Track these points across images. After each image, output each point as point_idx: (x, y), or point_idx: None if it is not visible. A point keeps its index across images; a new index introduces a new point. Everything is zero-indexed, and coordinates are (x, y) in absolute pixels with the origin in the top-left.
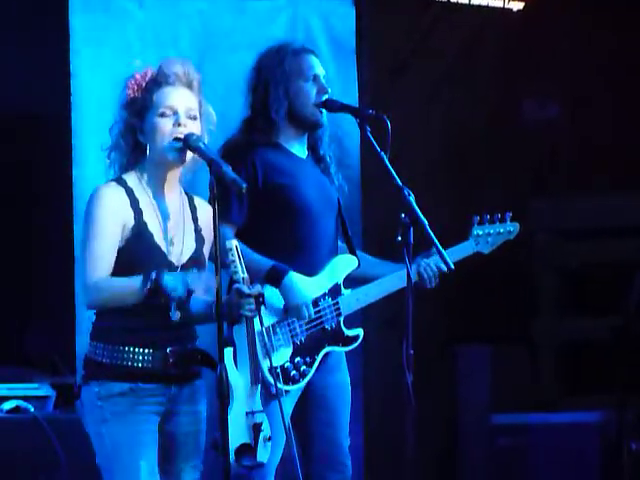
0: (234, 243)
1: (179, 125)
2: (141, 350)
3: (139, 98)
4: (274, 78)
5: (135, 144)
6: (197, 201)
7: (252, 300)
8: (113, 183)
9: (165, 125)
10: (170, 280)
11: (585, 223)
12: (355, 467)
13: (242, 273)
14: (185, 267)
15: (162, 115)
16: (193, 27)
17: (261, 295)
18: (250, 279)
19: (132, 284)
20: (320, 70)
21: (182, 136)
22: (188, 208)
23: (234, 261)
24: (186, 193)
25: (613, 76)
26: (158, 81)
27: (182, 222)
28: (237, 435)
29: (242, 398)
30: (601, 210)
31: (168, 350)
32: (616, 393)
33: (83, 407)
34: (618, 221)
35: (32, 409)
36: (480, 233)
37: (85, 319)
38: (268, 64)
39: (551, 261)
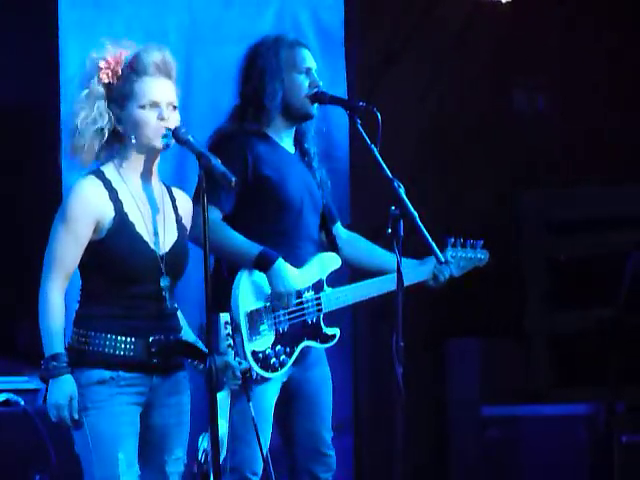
0: (229, 317)
1: (162, 119)
2: (123, 338)
3: (116, 86)
4: (270, 68)
5: (113, 132)
6: (175, 191)
7: (240, 377)
8: (92, 176)
9: (148, 118)
10: (50, 384)
11: (575, 215)
12: (345, 460)
13: (233, 347)
14: (168, 256)
15: (144, 108)
16: (181, 20)
17: (248, 371)
18: (238, 263)
19: (48, 340)
20: (312, 64)
21: (165, 130)
22: (168, 197)
23: (229, 334)
24: (163, 183)
25: (604, 67)
26: (137, 70)
27: (163, 211)
28: None
29: None
30: (591, 202)
31: (150, 339)
32: (607, 385)
33: None
34: (609, 213)
35: (22, 402)
36: (453, 255)
37: (75, 312)
38: (264, 54)
39: (541, 253)
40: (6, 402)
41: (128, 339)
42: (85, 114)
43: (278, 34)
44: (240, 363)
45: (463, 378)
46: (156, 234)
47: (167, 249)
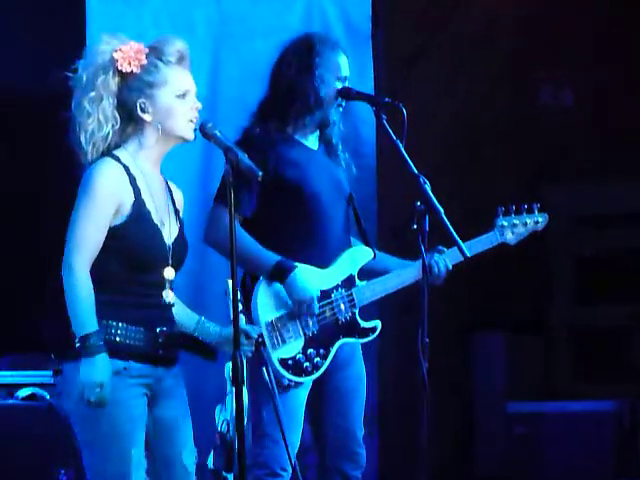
0: (230, 282)
1: (197, 107)
2: (133, 327)
3: (141, 75)
4: (311, 68)
5: (130, 119)
6: (170, 184)
7: (253, 342)
8: (109, 159)
9: (182, 106)
10: (88, 363)
11: (601, 210)
12: (370, 455)
13: (244, 310)
14: (173, 247)
15: (180, 97)
16: (209, 14)
17: (260, 336)
18: (255, 273)
19: (80, 318)
20: (347, 71)
21: (195, 119)
22: (167, 190)
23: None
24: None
25: (630, 61)
26: (165, 60)
27: (167, 203)
28: None
29: None
30: (617, 197)
31: (158, 330)
32: (632, 381)
33: (66, 385)
34: (635, 208)
35: (48, 396)
36: (505, 224)
37: None
38: (298, 52)
39: (566, 248)
40: (32, 396)
41: (137, 328)
42: (92, 120)
43: (319, 33)
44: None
45: (489, 373)
46: (164, 225)
47: (172, 240)
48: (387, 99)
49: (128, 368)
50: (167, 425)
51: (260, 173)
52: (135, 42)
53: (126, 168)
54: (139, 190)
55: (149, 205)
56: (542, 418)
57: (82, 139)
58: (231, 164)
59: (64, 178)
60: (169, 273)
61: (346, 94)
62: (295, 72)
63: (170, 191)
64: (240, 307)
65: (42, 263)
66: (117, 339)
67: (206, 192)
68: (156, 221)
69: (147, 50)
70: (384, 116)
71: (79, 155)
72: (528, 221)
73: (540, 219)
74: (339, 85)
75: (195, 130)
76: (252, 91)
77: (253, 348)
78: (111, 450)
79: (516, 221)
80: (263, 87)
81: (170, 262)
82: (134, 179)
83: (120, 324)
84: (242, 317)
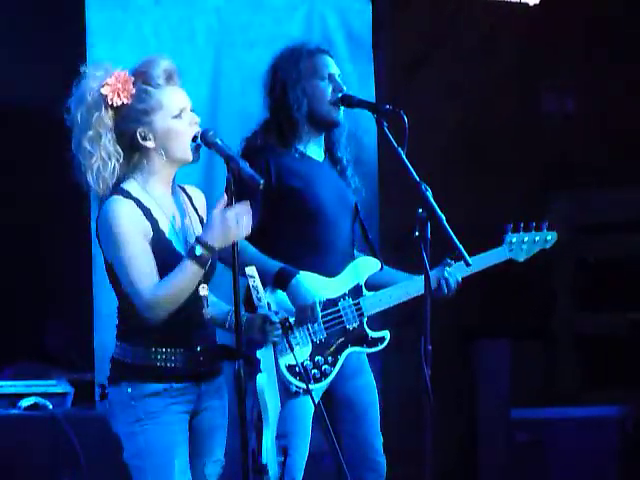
0: (254, 270)
1: (196, 123)
2: (171, 350)
3: (133, 104)
4: (290, 78)
5: (132, 149)
6: (188, 189)
7: (279, 326)
8: (119, 197)
9: (181, 126)
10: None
11: (604, 218)
12: None
13: (265, 299)
14: None
15: (177, 117)
16: (209, 23)
17: (287, 320)
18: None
19: (183, 268)
20: (335, 69)
21: (198, 135)
22: (187, 199)
23: (256, 287)
24: (177, 185)
25: (631, 70)
26: (153, 83)
27: (189, 217)
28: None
29: (275, 421)
30: (620, 205)
31: (198, 349)
32: (636, 387)
33: (112, 407)
34: (637, 216)
35: (50, 406)
36: (514, 240)
37: (103, 315)
38: (283, 65)
39: (570, 255)
40: (34, 406)
41: (177, 350)
42: (95, 159)
43: (298, 43)
44: (277, 313)
45: (493, 380)
46: (188, 243)
47: None
48: (388, 106)
49: (169, 389)
50: (199, 435)
51: (262, 181)
52: (119, 70)
53: (138, 201)
54: (156, 221)
55: (169, 233)
56: (546, 424)
57: (90, 179)
58: (233, 173)
59: (65, 186)
60: (203, 290)
61: (347, 101)
62: (279, 91)
63: (190, 198)
64: (259, 294)
65: (43, 271)
66: (158, 364)
67: (207, 202)
68: (179, 248)
69: (133, 78)
70: (385, 123)
71: (90, 192)
72: (537, 238)
73: (549, 237)
74: (325, 85)
75: (195, 138)
76: (253, 100)
77: (279, 332)
78: (152, 463)
79: (525, 238)
80: (264, 96)
81: (202, 279)
82: (148, 211)
83: (157, 349)
84: (264, 303)
